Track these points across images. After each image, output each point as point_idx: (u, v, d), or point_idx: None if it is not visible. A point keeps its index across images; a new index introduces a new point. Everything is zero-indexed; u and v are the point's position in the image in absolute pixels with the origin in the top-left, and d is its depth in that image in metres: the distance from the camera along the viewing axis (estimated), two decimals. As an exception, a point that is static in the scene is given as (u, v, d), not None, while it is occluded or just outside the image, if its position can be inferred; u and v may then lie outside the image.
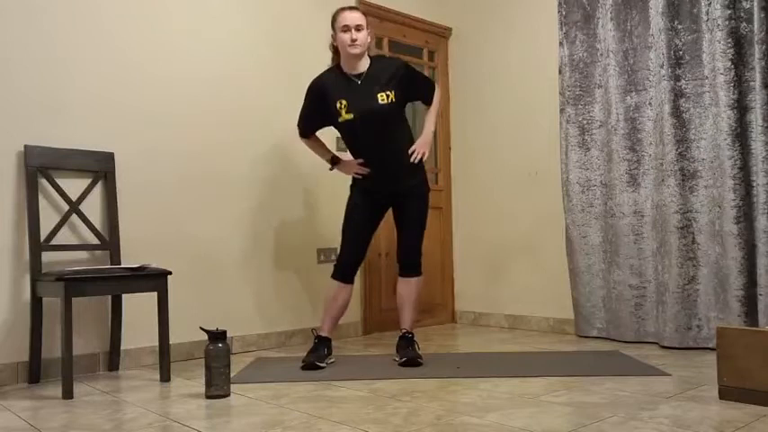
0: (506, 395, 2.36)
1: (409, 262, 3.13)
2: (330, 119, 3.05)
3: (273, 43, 3.70)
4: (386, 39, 4.29)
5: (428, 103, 3.19)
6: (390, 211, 3.17)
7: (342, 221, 3.11)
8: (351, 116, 2.96)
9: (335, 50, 3.07)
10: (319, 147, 3.24)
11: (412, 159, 3.02)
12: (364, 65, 3.02)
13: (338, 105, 2.97)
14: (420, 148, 3.05)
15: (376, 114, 2.96)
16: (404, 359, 2.94)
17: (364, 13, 3.05)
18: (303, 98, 3.11)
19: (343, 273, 3.06)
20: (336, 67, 3.06)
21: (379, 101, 2.95)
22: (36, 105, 2.87)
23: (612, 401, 2.22)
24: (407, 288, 3.13)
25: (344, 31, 2.95)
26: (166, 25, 3.29)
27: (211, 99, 3.43)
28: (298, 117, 3.16)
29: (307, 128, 3.18)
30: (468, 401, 2.28)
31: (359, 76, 3.00)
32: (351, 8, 3.05)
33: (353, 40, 2.93)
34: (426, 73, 4.60)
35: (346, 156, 3.23)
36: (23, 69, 2.84)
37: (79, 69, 3.00)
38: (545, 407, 2.18)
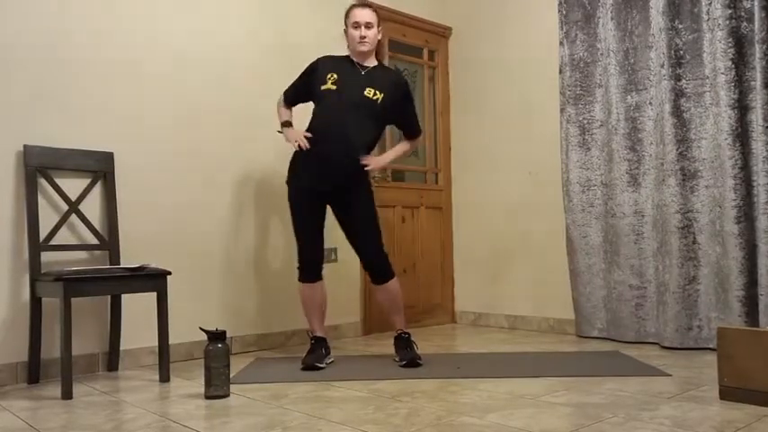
0: (506, 395, 2.35)
1: (378, 270, 3.02)
2: (314, 89, 2.98)
3: (274, 44, 3.70)
4: (386, 38, 4.28)
5: (409, 136, 3.18)
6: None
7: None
8: (334, 87, 2.94)
9: None
10: (285, 112, 3.12)
11: (362, 161, 2.92)
12: (371, 63, 3.04)
13: (328, 76, 2.97)
14: (373, 162, 2.99)
15: (356, 100, 2.93)
16: (404, 361, 2.93)
17: (376, 11, 3.03)
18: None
19: (310, 272, 3.03)
20: (347, 56, 3.07)
21: (365, 93, 2.94)
22: (35, 105, 2.86)
23: (613, 402, 2.22)
24: (386, 294, 3.08)
25: (355, 28, 2.98)
26: (166, 25, 3.29)
27: (211, 99, 3.43)
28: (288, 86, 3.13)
29: (290, 96, 3.12)
30: (468, 402, 2.27)
31: (363, 68, 3.02)
32: (363, 5, 3.06)
33: (362, 38, 2.96)
34: (426, 72, 4.61)
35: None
36: (23, 69, 2.84)
37: (79, 69, 2.99)
38: (545, 407, 2.17)
